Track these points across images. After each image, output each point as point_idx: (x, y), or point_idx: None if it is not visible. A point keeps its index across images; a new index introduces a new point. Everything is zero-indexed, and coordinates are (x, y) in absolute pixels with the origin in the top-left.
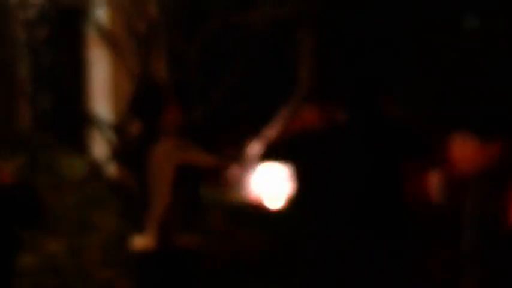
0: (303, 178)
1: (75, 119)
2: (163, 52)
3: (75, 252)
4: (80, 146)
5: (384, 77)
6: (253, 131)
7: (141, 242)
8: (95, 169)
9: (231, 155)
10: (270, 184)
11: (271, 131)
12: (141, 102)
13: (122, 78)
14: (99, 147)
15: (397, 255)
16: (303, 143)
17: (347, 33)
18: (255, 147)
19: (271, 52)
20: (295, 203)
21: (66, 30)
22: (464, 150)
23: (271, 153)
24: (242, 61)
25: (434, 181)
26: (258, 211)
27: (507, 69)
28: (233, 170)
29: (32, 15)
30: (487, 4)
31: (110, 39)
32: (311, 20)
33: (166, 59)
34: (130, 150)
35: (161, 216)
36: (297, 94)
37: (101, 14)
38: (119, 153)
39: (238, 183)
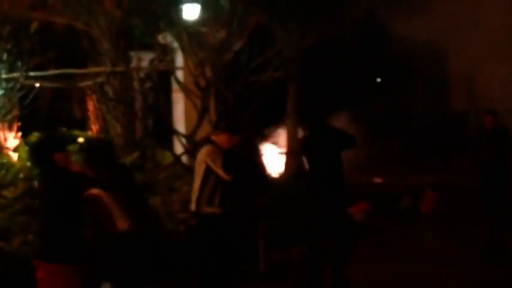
0: (307, 157)
1: (166, 132)
2: (214, 96)
3: (166, 203)
4: (168, 146)
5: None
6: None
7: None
8: (177, 159)
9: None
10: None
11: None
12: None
13: (190, 110)
14: (178, 147)
15: (340, 191)
16: (304, 142)
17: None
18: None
19: (273, 94)
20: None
21: (161, 83)
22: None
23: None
24: (257, 100)
25: None
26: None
27: None
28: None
29: (142, 74)
30: None
31: (184, 89)
32: (294, 78)
33: (215, 100)
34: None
35: (196, 193)
36: (287, 116)
37: (180, 74)
38: (188, 151)
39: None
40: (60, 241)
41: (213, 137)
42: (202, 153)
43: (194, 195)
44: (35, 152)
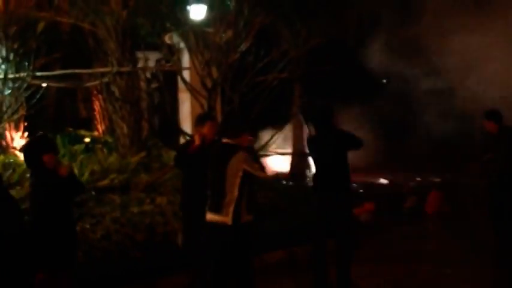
0: (313, 156)
1: (172, 131)
2: (220, 97)
3: (172, 203)
4: (174, 145)
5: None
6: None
7: (218, 218)
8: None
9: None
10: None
11: None
12: (229, 124)
13: (197, 110)
14: None
15: (345, 191)
16: (310, 142)
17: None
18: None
19: (277, 95)
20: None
21: (167, 83)
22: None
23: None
24: (262, 100)
25: None
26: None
27: None
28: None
29: (148, 75)
30: None
31: (191, 89)
32: (299, 77)
33: (221, 100)
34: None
35: (233, 203)
36: (291, 115)
37: (186, 74)
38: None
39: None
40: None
41: (232, 141)
42: (237, 162)
43: (230, 208)
44: (25, 152)
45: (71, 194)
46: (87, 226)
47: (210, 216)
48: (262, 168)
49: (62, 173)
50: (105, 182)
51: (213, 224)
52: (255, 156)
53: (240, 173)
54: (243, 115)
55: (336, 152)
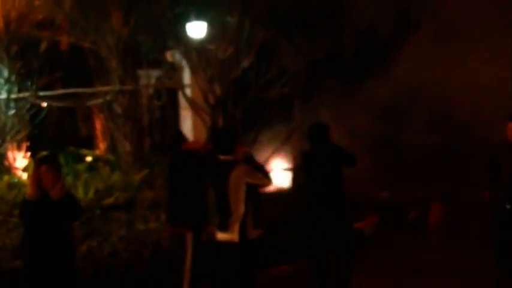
0: (306, 173)
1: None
2: (222, 113)
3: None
4: None
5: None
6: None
7: (226, 236)
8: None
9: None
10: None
11: None
12: (220, 140)
13: (199, 126)
14: None
15: (339, 208)
16: (304, 157)
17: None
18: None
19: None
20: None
21: (169, 100)
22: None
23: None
24: (266, 115)
25: None
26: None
27: None
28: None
29: (151, 91)
30: None
31: (193, 105)
32: (299, 93)
33: (223, 116)
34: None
35: (240, 220)
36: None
37: (188, 91)
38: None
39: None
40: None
41: (229, 157)
42: (237, 177)
43: (235, 225)
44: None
45: (63, 217)
46: (94, 244)
47: (218, 235)
48: (266, 175)
49: (54, 194)
50: (110, 200)
51: (221, 243)
52: (256, 165)
53: (243, 187)
54: (230, 129)
55: (329, 168)
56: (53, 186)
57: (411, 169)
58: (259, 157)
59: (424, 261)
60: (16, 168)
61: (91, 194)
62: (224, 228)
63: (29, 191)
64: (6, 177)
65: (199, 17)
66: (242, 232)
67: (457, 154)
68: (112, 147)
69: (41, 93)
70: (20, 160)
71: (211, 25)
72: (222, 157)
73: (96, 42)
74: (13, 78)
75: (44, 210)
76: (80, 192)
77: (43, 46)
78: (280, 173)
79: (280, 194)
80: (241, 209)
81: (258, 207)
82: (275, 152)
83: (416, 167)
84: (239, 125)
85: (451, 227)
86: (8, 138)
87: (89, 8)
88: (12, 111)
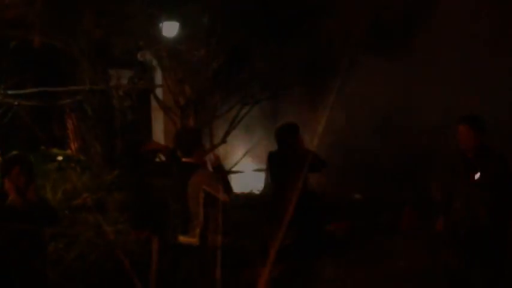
0: (272, 174)
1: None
2: (193, 114)
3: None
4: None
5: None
6: None
7: (187, 239)
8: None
9: None
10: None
11: None
12: (181, 141)
13: (170, 127)
14: None
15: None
16: (270, 159)
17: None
18: None
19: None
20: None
21: (141, 101)
22: None
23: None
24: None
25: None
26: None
27: None
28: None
29: (121, 93)
30: None
31: (164, 107)
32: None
33: (194, 118)
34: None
35: (200, 225)
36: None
37: (160, 92)
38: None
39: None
40: None
41: (189, 159)
42: (195, 183)
43: (196, 230)
44: None
45: (39, 222)
46: (61, 246)
47: (180, 238)
48: (227, 190)
49: (29, 197)
50: (79, 201)
51: (182, 246)
52: (223, 176)
53: (202, 194)
54: (193, 130)
55: (296, 172)
56: (26, 188)
57: (384, 172)
58: (231, 158)
59: (397, 266)
60: None
61: (59, 194)
62: (185, 232)
63: (11, 196)
64: None
65: (171, 17)
66: (203, 237)
67: (429, 158)
68: (83, 148)
69: (10, 92)
70: None
71: (183, 26)
72: (183, 159)
73: (67, 42)
74: None
75: (24, 215)
76: (48, 193)
77: (12, 45)
78: (251, 175)
79: (253, 196)
80: (201, 214)
81: (222, 213)
82: (247, 153)
83: (390, 170)
84: (208, 127)
85: (423, 231)
86: None
87: (61, 8)
88: None
